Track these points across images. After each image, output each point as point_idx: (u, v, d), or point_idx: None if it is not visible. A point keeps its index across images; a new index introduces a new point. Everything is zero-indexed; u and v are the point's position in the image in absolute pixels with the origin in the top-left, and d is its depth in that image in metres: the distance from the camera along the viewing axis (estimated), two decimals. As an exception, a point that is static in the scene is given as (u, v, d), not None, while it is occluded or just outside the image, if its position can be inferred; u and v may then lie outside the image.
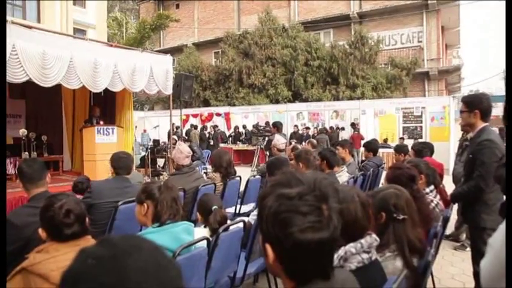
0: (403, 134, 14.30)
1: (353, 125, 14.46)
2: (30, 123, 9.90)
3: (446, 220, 2.86)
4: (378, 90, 17.42)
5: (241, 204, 4.38)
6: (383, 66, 18.79)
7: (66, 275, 0.60)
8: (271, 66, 19.34)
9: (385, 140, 13.95)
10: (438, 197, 3.09)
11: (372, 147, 6.03)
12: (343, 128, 15.24)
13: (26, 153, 8.54)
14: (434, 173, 3.26)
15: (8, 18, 7.12)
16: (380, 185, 5.75)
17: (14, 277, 1.47)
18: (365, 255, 1.57)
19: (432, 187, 3.10)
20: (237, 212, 4.27)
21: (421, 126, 14.35)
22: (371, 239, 1.62)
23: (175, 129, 14.80)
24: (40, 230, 1.63)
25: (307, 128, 15.47)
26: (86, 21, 16.74)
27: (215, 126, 16.64)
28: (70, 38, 7.66)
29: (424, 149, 4.82)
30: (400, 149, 5.37)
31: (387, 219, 1.93)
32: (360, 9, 20.19)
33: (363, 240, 1.59)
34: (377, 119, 15.26)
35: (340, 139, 11.79)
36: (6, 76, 5.95)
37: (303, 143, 11.80)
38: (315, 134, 14.49)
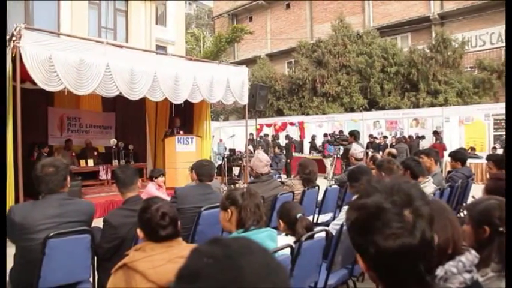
0: (495, 143, 13.01)
1: (436, 133, 13.51)
2: (118, 134, 10.78)
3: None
4: (463, 96, 16.12)
5: (319, 213, 4.30)
6: (469, 69, 17.35)
7: (182, 272, 0.62)
8: (346, 74, 18.93)
9: (473, 149, 12.81)
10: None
11: (460, 156, 5.56)
12: (423, 137, 14.30)
13: (116, 160, 9.31)
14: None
15: (103, 39, 7.91)
16: (470, 198, 5.30)
17: (117, 271, 1.60)
18: (467, 275, 1.42)
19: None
20: (315, 221, 4.20)
21: (516, 134, 12.92)
22: (471, 256, 1.47)
23: (266, 139, 15.23)
24: (138, 230, 1.75)
25: (385, 137, 14.80)
26: (167, 38, 17.94)
27: (287, 136, 16.63)
28: (153, 54, 8.25)
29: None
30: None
31: (491, 233, 1.74)
32: (441, 9, 18.94)
33: (463, 258, 1.45)
34: (462, 126, 14.10)
35: (420, 148, 11.11)
36: (101, 92, 6.59)
37: (380, 153, 11.30)
38: (393, 143, 13.82)
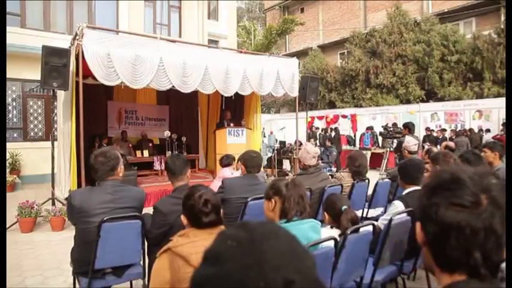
0: None
1: (505, 125, 12.47)
2: (172, 126, 11.18)
3: None
4: (536, 85, 14.75)
5: (369, 208, 4.17)
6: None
7: (207, 254, 0.62)
8: (402, 64, 18.07)
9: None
10: None
11: (531, 150, 5.08)
12: (488, 130, 13.28)
13: (170, 152, 9.67)
14: None
15: (157, 35, 8.18)
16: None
17: (161, 255, 1.68)
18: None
19: None
20: (364, 215, 4.09)
21: None
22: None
23: (323, 132, 15.13)
24: (182, 217, 1.81)
25: (443, 130, 13.95)
26: (219, 32, 18.22)
27: (335, 129, 16.25)
28: (205, 48, 8.40)
29: None
30: None
31: None
32: (511, -9, 17.35)
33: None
34: (535, 118, 12.90)
35: (483, 142, 10.36)
36: (155, 85, 6.84)
37: (438, 147, 10.69)
38: (452, 137, 13.01)
